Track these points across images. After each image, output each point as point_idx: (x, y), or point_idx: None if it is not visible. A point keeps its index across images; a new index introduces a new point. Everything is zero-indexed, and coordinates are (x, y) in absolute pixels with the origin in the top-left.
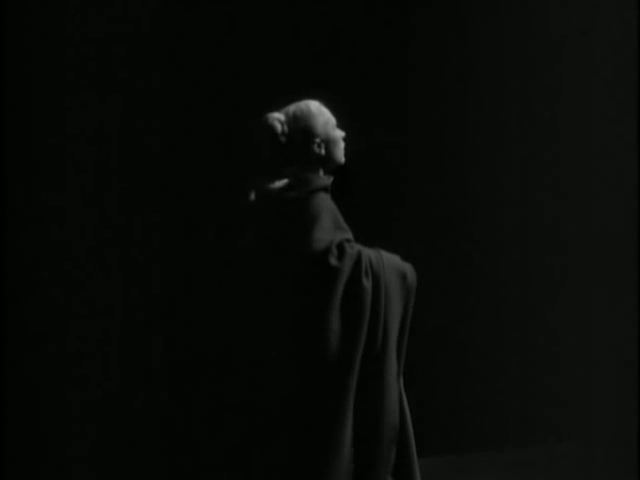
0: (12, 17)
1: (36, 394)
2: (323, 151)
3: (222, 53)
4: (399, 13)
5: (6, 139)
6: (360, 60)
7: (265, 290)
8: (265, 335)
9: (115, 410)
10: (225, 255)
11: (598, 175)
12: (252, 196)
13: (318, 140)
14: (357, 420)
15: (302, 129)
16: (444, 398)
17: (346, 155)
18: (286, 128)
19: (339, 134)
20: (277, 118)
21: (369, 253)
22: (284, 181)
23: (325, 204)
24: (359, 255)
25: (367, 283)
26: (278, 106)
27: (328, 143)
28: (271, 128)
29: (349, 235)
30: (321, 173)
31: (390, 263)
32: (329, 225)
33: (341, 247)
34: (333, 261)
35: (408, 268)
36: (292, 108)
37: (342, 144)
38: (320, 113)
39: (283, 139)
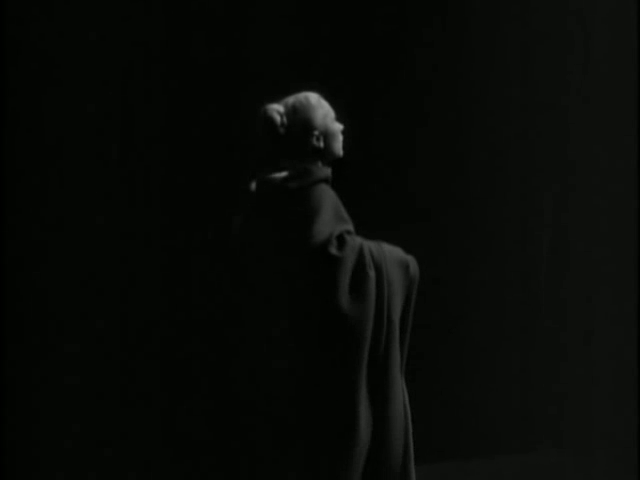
0: (12, 17)
1: (36, 394)
2: (322, 143)
3: (222, 45)
4: (399, 6)
5: (6, 139)
6: (359, 53)
7: (268, 282)
8: (269, 328)
9: (115, 410)
10: (227, 247)
11: (598, 175)
12: (253, 187)
13: (317, 132)
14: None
15: (301, 121)
16: (440, 403)
17: (344, 148)
18: (285, 120)
19: (338, 127)
20: (276, 109)
21: (370, 244)
22: (284, 172)
23: (327, 195)
24: (360, 246)
25: (371, 272)
26: (277, 98)
27: (327, 136)
28: (270, 119)
29: (350, 227)
30: (320, 165)
31: (392, 254)
32: (330, 217)
33: (341, 238)
34: (333, 250)
35: (410, 260)
36: (291, 100)
37: (341, 137)
38: (319, 105)
39: (282, 131)
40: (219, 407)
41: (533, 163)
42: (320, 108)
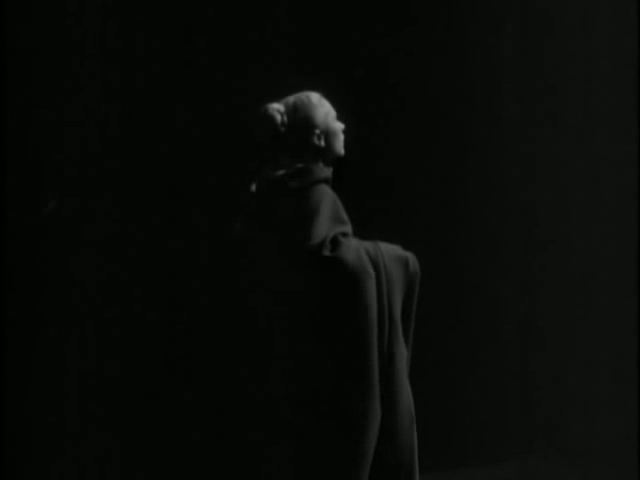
0: (12, 16)
1: (35, 395)
2: (323, 143)
3: (222, 44)
4: (399, 6)
5: (6, 139)
6: (361, 53)
7: (268, 283)
8: (271, 329)
9: (116, 412)
10: (228, 246)
11: (598, 175)
12: (253, 187)
13: (318, 131)
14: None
15: (302, 120)
16: (437, 409)
17: (345, 147)
18: (286, 119)
19: (339, 126)
20: (277, 109)
21: (366, 245)
22: (284, 171)
23: (326, 195)
24: (356, 246)
25: (370, 270)
26: (278, 98)
27: (328, 135)
28: (271, 118)
29: (347, 229)
30: (321, 165)
31: (390, 253)
32: (328, 218)
33: (335, 240)
34: (326, 252)
35: (410, 256)
36: (292, 99)
37: (342, 136)
38: (320, 104)
39: (283, 130)
40: (224, 407)
41: (533, 163)
42: (321, 107)
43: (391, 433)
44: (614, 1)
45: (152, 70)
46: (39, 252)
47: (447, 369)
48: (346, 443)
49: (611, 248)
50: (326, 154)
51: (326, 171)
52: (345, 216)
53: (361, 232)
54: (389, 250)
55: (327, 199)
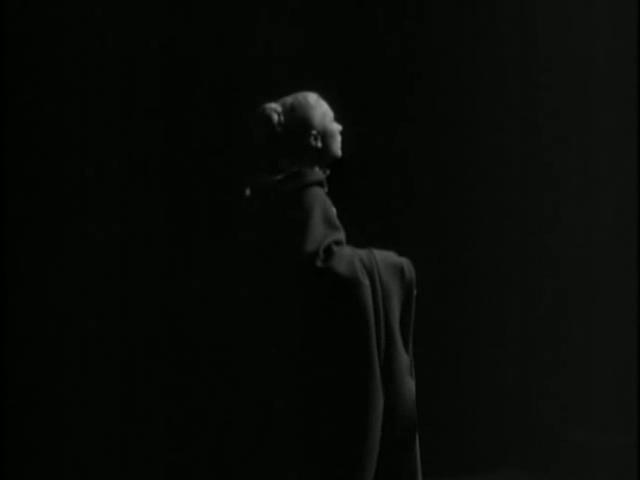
0: (12, 15)
1: (36, 395)
2: (320, 143)
3: (221, 45)
4: (398, 7)
5: (6, 139)
6: (359, 54)
7: (262, 290)
8: (264, 338)
9: (116, 412)
10: (225, 251)
11: (598, 175)
12: (248, 190)
13: (315, 132)
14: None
15: (299, 120)
16: (435, 415)
17: (343, 149)
18: (283, 119)
19: (336, 127)
20: (274, 109)
21: (360, 253)
22: (278, 175)
23: (318, 200)
24: (350, 254)
25: (365, 280)
26: (276, 98)
27: (325, 136)
28: (268, 119)
29: (340, 235)
30: (317, 166)
31: (384, 260)
32: (320, 225)
33: (329, 250)
34: (319, 263)
35: (405, 262)
36: (289, 99)
37: (339, 137)
38: (318, 105)
39: (279, 130)
40: (227, 411)
41: (533, 159)
42: (319, 107)
43: (391, 445)
44: (614, 1)
45: (151, 70)
46: (39, 251)
47: (445, 371)
48: (349, 448)
49: (611, 248)
50: (323, 155)
51: (319, 174)
52: (337, 221)
53: (358, 233)
54: (384, 258)
55: (319, 204)
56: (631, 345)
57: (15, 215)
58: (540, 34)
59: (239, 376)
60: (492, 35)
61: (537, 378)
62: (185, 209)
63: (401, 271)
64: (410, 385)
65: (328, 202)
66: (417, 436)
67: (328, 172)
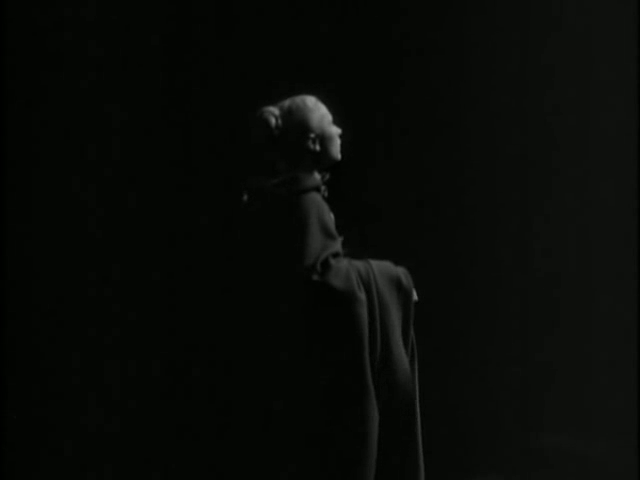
0: (12, 14)
1: (36, 396)
2: (318, 147)
3: (220, 47)
4: (396, 12)
5: (6, 138)
6: (358, 58)
7: (255, 298)
8: (259, 345)
9: (115, 413)
10: (222, 255)
11: (598, 175)
12: (245, 194)
13: (312, 135)
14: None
15: (296, 123)
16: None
17: (342, 152)
18: (280, 122)
19: (335, 130)
20: (271, 112)
21: (357, 265)
22: (275, 179)
23: (314, 206)
24: (347, 268)
25: (361, 295)
26: (274, 101)
27: (323, 139)
28: (265, 122)
29: (337, 246)
30: (316, 170)
31: (382, 272)
32: (317, 233)
33: (326, 263)
34: (316, 277)
35: (402, 272)
36: (287, 102)
37: (338, 141)
38: (316, 108)
39: (277, 133)
40: (225, 419)
41: (532, 161)
42: (317, 111)
43: (393, 452)
44: (614, 1)
45: (151, 71)
46: (38, 252)
47: (444, 371)
48: (346, 459)
49: (611, 249)
50: (321, 158)
51: (316, 179)
52: (334, 229)
53: (354, 238)
54: (381, 269)
55: (315, 210)
56: (631, 345)
57: (14, 215)
58: (539, 34)
59: (237, 381)
60: (491, 40)
61: (534, 381)
62: (184, 210)
63: (398, 281)
64: (410, 389)
65: (326, 208)
66: (419, 441)
67: (328, 176)
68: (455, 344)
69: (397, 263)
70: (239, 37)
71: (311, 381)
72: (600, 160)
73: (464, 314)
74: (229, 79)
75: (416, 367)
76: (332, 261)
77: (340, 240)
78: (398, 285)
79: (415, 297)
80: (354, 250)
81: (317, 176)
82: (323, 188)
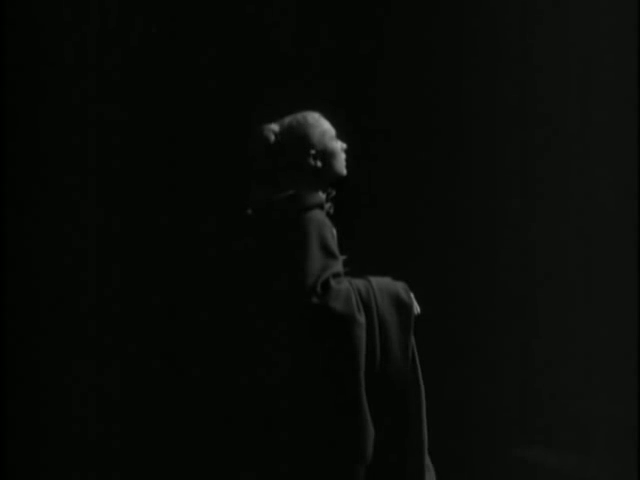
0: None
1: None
2: (319, 163)
3: (225, 59)
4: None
5: (6, 138)
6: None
7: (256, 312)
8: (256, 361)
9: (115, 413)
10: (223, 266)
11: (598, 176)
12: (248, 211)
13: (313, 152)
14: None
15: (296, 140)
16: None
17: (348, 167)
18: (280, 139)
19: (338, 146)
20: (271, 129)
21: (358, 285)
22: (277, 197)
23: (315, 225)
24: (347, 289)
25: (360, 317)
26: (281, 116)
27: (325, 155)
28: (265, 139)
29: (337, 266)
30: (319, 186)
31: (382, 289)
32: (317, 252)
33: (326, 284)
34: (315, 300)
35: (402, 288)
36: (288, 119)
37: (342, 156)
38: (317, 124)
39: (277, 150)
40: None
41: (533, 164)
42: (317, 126)
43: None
44: (614, 1)
45: (156, 78)
46: (38, 251)
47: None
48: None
49: (611, 250)
50: (324, 175)
51: (318, 197)
52: (335, 248)
53: (358, 254)
54: (381, 287)
55: (317, 229)
56: (631, 346)
57: (14, 215)
58: (539, 34)
59: (236, 392)
60: (492, 41)
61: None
62: (185, 213)
63: (398, 298)
64: (410, 404)
65: (328, 225)
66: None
67: (333, 192)
68: (455, 353)
69: (397, 273)
70: (248, 49)
71: (306, 399)
72: (600, 160)
73: (465, 318)
74: (236, 94)
75: (420, 377)
76: (332, 283)
77: (342, 259)
78: (398, 302)
79: (417, 310)
80: (357, 267)
81: (320, 193)
82: (329, 205)
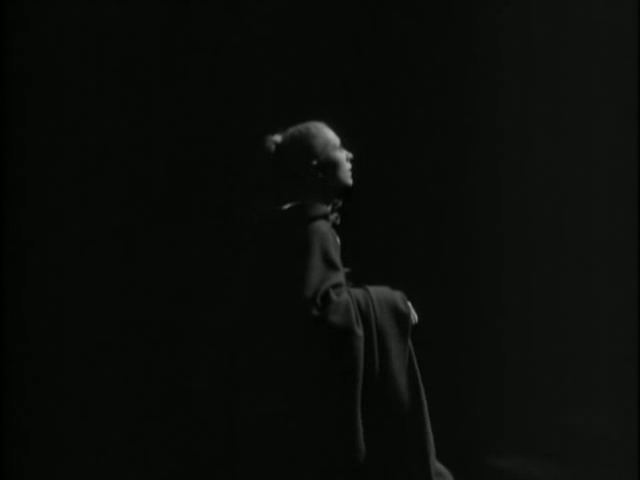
0: (10, 14)
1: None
2: (322, 174)
3: (234, 67)
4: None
5: (6, 137)
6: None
7: (256, 325)
8: (255, 369)
9: (114, 413)
10: (227, 274)
11: (598, 177)
12: (253, 221)
13: (315, 162)
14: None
15: (298, 151)
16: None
17: (354, 177)
18: (282, 149)
19: (343, 156)
20: (274, 140)
21: (357, 296)
22: (284, 207)
23: (318, 236)
24: (347, 302)
25: (359, 330)
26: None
27: (328, 165)
28: (267, 150)
29: (338, 277)
30: (324, 196)
31: (380, 299)
32: (319, 263)
33: (326, 296)
34: (315, 312)
35: (399, 297)
36: (291, 129)
37: (347, 166)
38: (319, 134)
39: (279, 161)
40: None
41: (534, 168)
42: (320, 137)
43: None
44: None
45: (158, 86)
46: (38, 253)
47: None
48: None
49: (611, 250)
50: (328, 185)
51: (322, 208)
52: (337, 259)
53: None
54: (380, 297)
55: (319, 240)
56: (631, 346)
57: (14, 215)
58: (539, 34)
59: (234, 397)
60: (493, 43)
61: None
62: (190, 225)
63: (396, 308)
64: (410, 414)
65: (331, 236)
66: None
67: (340, 203)
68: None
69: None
70: (257, 55)
71: (302, 408)
72: (600, 161)
73: (452, 327)
74: (246, 104)
75: (420, 385)
76: (333, 295)
77: (344, 271)
78: (396, 312)
79: (415, 319)
80: (360, 280)
81: (324, 204)
82: (335, 215)
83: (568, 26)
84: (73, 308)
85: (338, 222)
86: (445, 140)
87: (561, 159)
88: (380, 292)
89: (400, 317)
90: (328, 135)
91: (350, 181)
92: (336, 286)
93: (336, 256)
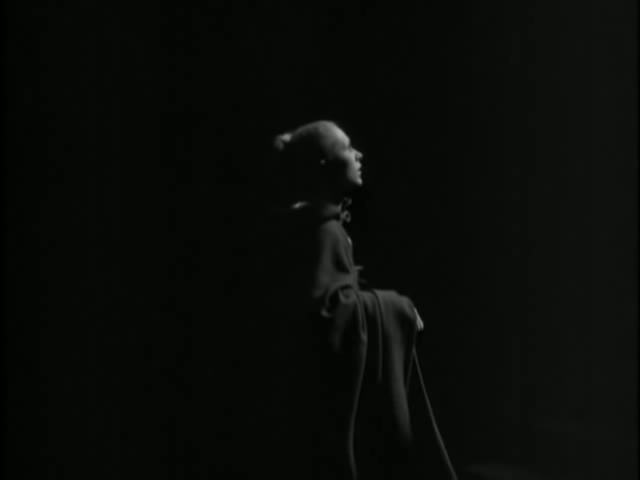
0: (12, 16)
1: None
2: (331, 173)
3: (240, 71)
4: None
5: (5, 138)
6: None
7: (265, 324)
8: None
9: (114, 413)
10: (236, 272)
11: (598, 177)
12: (263, 221)
13: (323, 162)
14: None
15: (307, 150)
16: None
17: (363, 177)
18: (291, 149)
19: (352, 155)
20: (283, 140)
21: (365, 299)
22: (294, 207)
23: (328, 237)
24: (354, 305)
25: (363, 335)
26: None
27: (336, 165)
28: (276, 150)
29: (347, 278)
30: (334, 196)
31: (387, 303)
32: (329, 264)
33: (335, 298)
34: (324, 313)
35: (406, 303)
36: (300, 129)
37: (356, 165)
38: (328, 134)
39: (289, 161)
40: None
41: (535, 171)
42: (328, 137)
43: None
44: (614, 1)
45: (159, 81)
46: (38, 255)
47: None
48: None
49: (611, 250)
50: (337, 185)
51: (332, 208)
52: (347, 260)
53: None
54: (387, 301)
55: (329, 241)
56: (632, 345)
57: (13, 215)
58: (539, 35)
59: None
60: (493, 43)
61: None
62: (194, 226)
63: (403, 313)
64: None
65: (341, 237)
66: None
67: (349, 201)
68: (460, 341)
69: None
70: (264, 65)
71: (300, 406)
72: (600, 162)
73: (468, 310)
74: (253, 105)
75: (424, 390)
76: (341, 296)
77: (356, 269)
78: (402, 317)
79: (420, 325)
80: (371, 280)
81: (334, 203)
82: (345, 214)
83: (568, 26)
84: (73, 308)
85: (349, 220)
86: (445, 140)
87: (561, 159)
88: (387, 296)
89: (406, 322)
90: (337, 134)
91: (359, 180)
92: (345, 287)
93: (346, 258)
